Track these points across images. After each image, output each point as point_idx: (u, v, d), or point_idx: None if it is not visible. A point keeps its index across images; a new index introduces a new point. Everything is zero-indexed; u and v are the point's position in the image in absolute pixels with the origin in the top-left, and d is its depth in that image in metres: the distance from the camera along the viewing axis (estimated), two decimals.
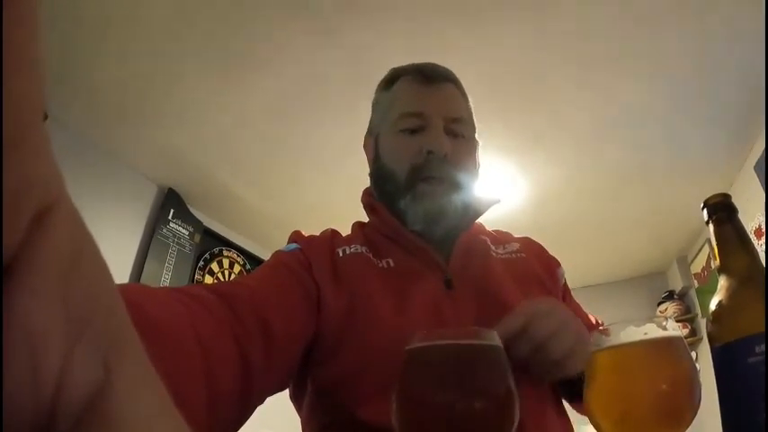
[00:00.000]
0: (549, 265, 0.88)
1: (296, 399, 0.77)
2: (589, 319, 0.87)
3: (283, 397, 0.75)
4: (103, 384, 0.14)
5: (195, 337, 0.47)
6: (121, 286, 0.43)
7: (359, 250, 0.79)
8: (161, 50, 2.13)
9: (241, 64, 2.22)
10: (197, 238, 3.20)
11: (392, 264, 0.78)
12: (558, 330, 0.61)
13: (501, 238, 0.92)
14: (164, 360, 0.39)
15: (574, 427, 0.77)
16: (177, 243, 3.05)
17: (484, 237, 0.88)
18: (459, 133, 0.83)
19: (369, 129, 0.93)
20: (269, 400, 0.63)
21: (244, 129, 2.61)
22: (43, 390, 0.13)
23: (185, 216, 3.14)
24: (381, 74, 0.94)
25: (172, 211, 3.05)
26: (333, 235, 0.84)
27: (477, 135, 0.89)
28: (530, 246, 0.91)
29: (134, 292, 0.44)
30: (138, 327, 0.17)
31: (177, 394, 0.17)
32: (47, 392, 0.13)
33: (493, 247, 0.86)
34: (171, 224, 3.03)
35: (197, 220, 3.23)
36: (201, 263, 3.26)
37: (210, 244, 3.38)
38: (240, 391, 0.54)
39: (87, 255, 0.15)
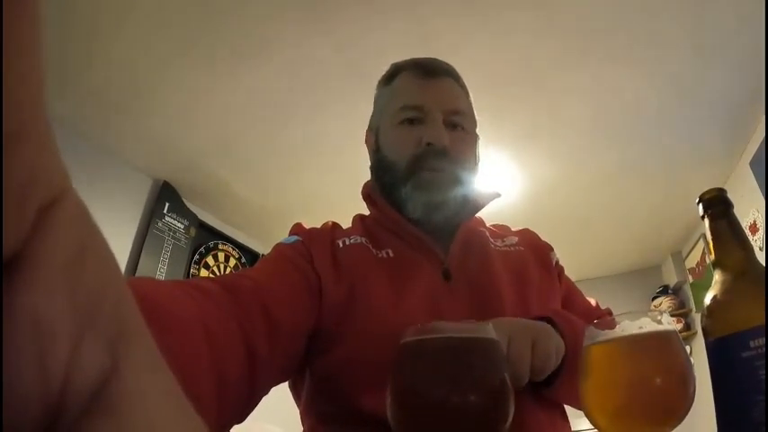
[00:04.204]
0: (543, 252, 0.89)
1: (295, 388, 0.78)
2: (587, 301, 0.89)
3: (282, 391, 0.75)
4: (111, 373, 0.14)
5: (203, 329, 0.48)
6: (129, 279, 0.43)
7: (358, 241, 0.80)
8: (152, 43, 2.12)
9: (233, 54, 2.20)
10: (192, 231, 3.19)
11: (391, 254, 0.79)
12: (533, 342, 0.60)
13: (500, 232, 0.92)
14: (172, 351, 0.40)
15: (570, 420, 0.77)
16: (173, 237, 3.04)
17: (483, 229, 0.89)
18: (459, 125, 0.83)
19: (369, 124, 0.94)
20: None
21: (238, 121, 2.60)
22: (52, 382, 0.13)
23: (180, 210, 3.13)
24: (377, 64, 0.93)
25: (167, 204, 3.04)
26: (333, 227, 0.85)
27: (476, 130, 0.89)
28: (526, 237, 0.92)
29: (141, 285, 0.45)
30: (146, 318, 0.17)
31: (186, 385, 0.17)
32: (55, 384, 0.13)
33: (492, 240, 0.86)
34: (166, 218, 3.02)
35: (192, 213, 3.21)
36: (197, 256, 3.25)
37: (206, 237, 3.37)
38: (246, 382, 0.55)
39: (93, 246, 0.15)
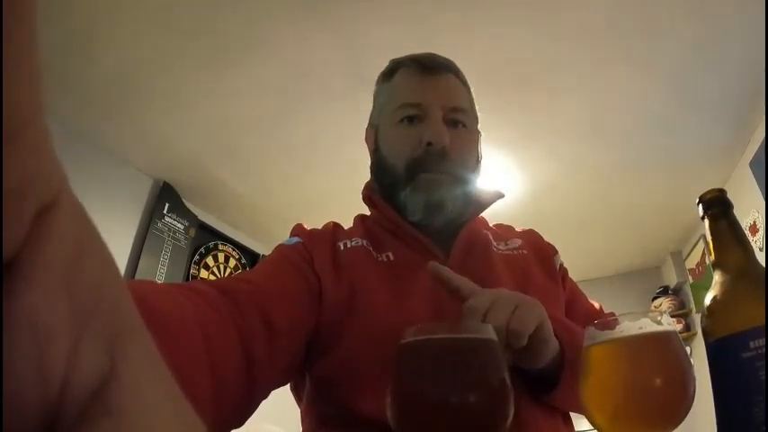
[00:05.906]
0: (547, 255, 0.88)
1: (296, 390, 0.78)
2: (591, 304, 0.88)
3: (282, 391, 0.75)
4: (109, 374, 0.14)
5: (200, 332, 0.48)
6: (127, 282, 0.43)
7: (359, 244, 0.79)
8: (152, 43, 2.12)
9: (233, 54, 2.20)
10: (192, 232, 3.19)
11: (392, 257, 0.78)
12: (517, 307, 0.57)
13: (503, 233, 0.91)
14: (170, 354, 0.39)
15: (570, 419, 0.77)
16: (172, 237, 3.04)
17: (486, 231, 0.87)
18: (460, 122, 0.82)
19: (369, 121, 0.92)
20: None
21: (238, 121, 2.60)
22: (51, 383, 0.13)
23: (180, 210, 3.13)
24: (377, 63, 0.93)
25: (167, 205, 3.04)
26: (334, 228, 0.84)
27: (478, 126, 0.88)
28: (530, 239, 0.90)
29: (139, 287, 0.45)
30: (144, 320, 0.17)
31: (183, 387, 0.17)
32: (54, 387, 0.13)
33: (494, 243, 0.85)
34: (166, 218, 3.02)
35: (192, 214, 3.21)
36: (197, 257, 3.25)
37: (206, 238, 3.37)
38: (245, 386, 0.55)
39: (91, 247, 0.15)
